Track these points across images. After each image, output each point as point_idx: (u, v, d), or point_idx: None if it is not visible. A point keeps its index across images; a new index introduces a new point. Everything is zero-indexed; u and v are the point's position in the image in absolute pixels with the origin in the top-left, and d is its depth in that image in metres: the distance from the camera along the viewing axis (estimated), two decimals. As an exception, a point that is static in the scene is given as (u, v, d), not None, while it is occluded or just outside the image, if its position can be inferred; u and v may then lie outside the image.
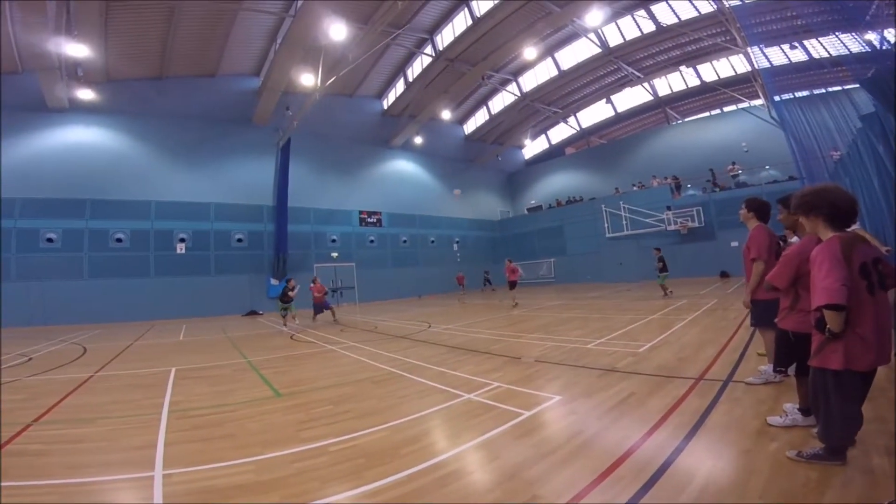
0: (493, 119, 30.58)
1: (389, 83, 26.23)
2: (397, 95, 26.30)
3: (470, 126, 32.20)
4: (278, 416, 4.33)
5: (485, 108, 30.59)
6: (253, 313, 20.06)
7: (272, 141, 22.36)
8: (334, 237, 23.72)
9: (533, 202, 32.83)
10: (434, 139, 29.01)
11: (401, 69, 25.12)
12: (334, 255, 21.02)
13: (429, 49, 22.51)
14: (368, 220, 25.86)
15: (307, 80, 18.23)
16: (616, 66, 25.07)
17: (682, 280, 18.00)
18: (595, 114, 30.75)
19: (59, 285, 17.28)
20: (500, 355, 6.48)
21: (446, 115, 25.98)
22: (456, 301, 20.02)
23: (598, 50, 23.88)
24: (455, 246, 30.01)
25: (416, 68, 24.54)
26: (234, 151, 21.83)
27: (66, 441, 3.66)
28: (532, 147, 35.20)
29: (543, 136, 34.51)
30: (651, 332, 7.57)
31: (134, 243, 18.95)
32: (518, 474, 2.63)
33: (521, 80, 27.31)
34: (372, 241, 25.74)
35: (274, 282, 21.14)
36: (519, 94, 27.61)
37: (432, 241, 28.89)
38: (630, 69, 24.77)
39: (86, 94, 17.54)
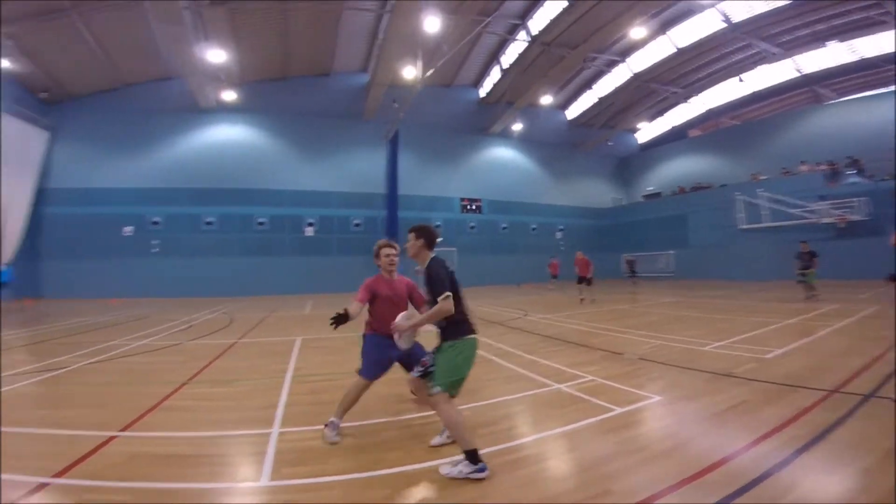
0: (601, 102, 28.63)
1: (485, 71, 26.09)
2: (494, 83, 26.04)
3: (574, 110, 30.56)
4: (379, 388, 4.72)
5: (590, 91, 28.75)
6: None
7: (382, 133, 23.83)
8: (438, 223, 24.53)
9: (650, 189, 30.24)
10: (534, 125, 28.17)
11: (495, 56, 24.78)
12: (439, 239, 21.67)
13: (522, 35, 21.83)
14: (469, 206, 26.31)
15: (408, 73, 19.05)
16: (746, 43, 21.77)
17: (833, 282, 15.09)
18: (724, 93, 27.06)
19: (215, 262, 20.79)
20: (599, 349, 6.22)
21: (546, 100, 24.98)
22: (550, 289, 19.44)
23: (723, 25, 20.94)
24: (559, 234, 29.03)
25: (510, 55, 23.98)
26: (350, 144, 23.82)
27: (209, 399, 4.34)
28: (648, 130, 32.28)
29: (662, 117, 31.38)
30: (784, 337, 6.62)
31: (272, 226, 22.00)
32: (595, 468, 2.57)
33: (630, 60, 25.09)
34: (472, 228, 26.13)
35: None
36: (630, 76, 25.45)
37: (533, 229, 28.31)
38: (764, 45, 21.31)
39: (229, 96, 20.58)
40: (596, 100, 28.82)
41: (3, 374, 5.17)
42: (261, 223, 21.90)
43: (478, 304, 13.72)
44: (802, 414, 3.29)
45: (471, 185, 26.67)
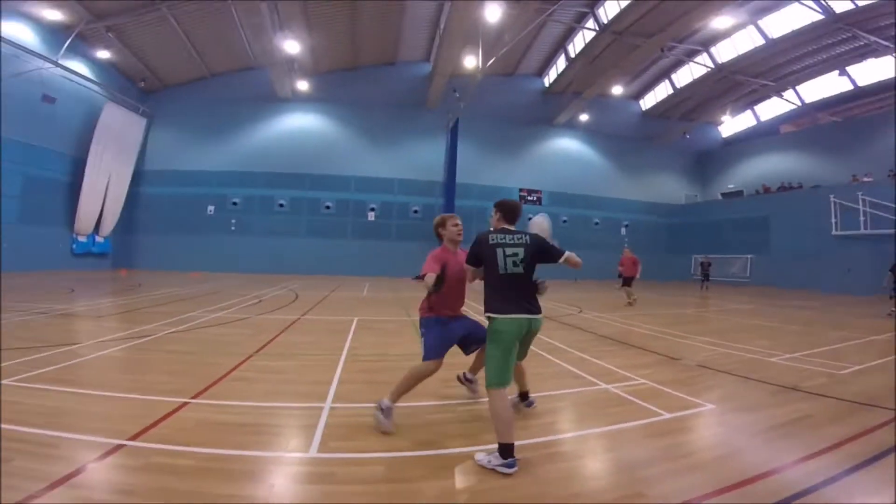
0: (679, 93, 26.72)
1: (550, 60, 25.28)
2: (559, 72, 25.15)
3: (648, 101, 28.85)
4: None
5: (667, 81, 26.94)
6: (420, 278, 22.26)
7: (443, 123, 24.05)
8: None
9: (731, 186, 28.03)
10: (603, 116, 27.00)
11: (561, 45, 23.88)
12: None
13: (591, 23, 20.77)
14: (528, 197, 25.82)
15: (469, 62, 18.93)
16: (850, 34, 19.24)
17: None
18: (824, 87, 24.19)
19: (285, 242, 22.27)
20: (655, 353, 5.99)
21: (617, 90, 23.72)
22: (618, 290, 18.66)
23: (821, 17, 18.65)
24: (623, 230, 27.77)
25: (577, 44, 22.97)
26: (412, 133, 24.37)
27: (271, 372, 4.65)
28: (732, 124, 29.71)
29: (749, 111, 28.73)
30: (866, 354, 6.00)
31: (338, 210, 23.18)
32: (631, 470, 2.53)
33: (714, 50, 23.12)
34: (530, 219, 25.45)
35: None
36: (713, 66, 23.47)
37: (596, 224, 27.31)
38: (871, 37, 18.71)
39: (303, 86, 22.02)
40: (673, 91, 27.04)
41: (99, 340, 5.82)
42: (327, 207, 23.14)
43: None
44: (867, 433, 3.03)
45: (531, 176, 26.21)
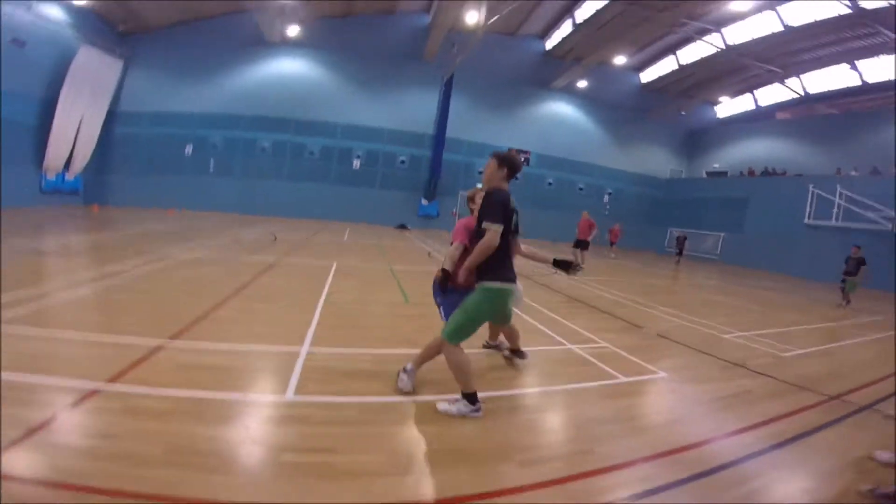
0: (682, 70, 26.10)
1: (555, 24, 24.15)
2: (563, 37, 24.20)
3: (650, 74, 28.16)
4: (402, 321, 5.09)
5: (673, 56, 26.27)
6: (402, 227, 22.47)
7: (438, 75, 23.27)
8: (481, 169, 24.18)
9: (716, 166, 28.25)
10: (601, 84, 26.35)
11: (569, 10, 22.81)
12: (479, 185, 21.79)
13: None
14: (516, 157, 25.58)
15: (471, 17, 18.18)
16: (872, 30, 18.88)
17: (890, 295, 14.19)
18: (829, 79, 23.84)
19: (266, 184, 21.97)
20: (622, 319, 6.30)
21: (619, 60, 23.05)
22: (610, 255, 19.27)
23: (847, 11, 18.13)
24: (606, 198, 28.05)
25: (586, 9, 21.96)
26: (405, 84, 23.57)
27: (250, 314, 4.71)
28: (730, 105, 29.47)
29: (748, 94, 28.42)
30: (810, 339, 6.47)
31: (322, 156, 22.74)
32: (585, 427, 2.78)
33: (726, 31, 22.47)
34: (516, 179, 25.35)
35: (424, 202, 23.47)
36: (723, 47, 22.90)
37: (580, 189, 27.42)
38: (893, 35, 18.43)
39: (293, 31, 21.06)
40: (677, 67, 26.44)
41: (70, 280, 5.57)
42: (311, 152, 22.73)
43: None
44: (796, 413, 3.35)
45: (521, 136, 25.77)
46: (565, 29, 23.99)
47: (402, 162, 23.68)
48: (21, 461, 1.92)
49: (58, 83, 17.78)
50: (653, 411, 3.21)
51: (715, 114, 31.01)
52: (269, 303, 5.25)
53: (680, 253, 20.63)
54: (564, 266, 3.09)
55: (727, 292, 11.38)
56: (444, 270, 3.02)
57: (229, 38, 21.55)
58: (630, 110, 28.50)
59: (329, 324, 4.55)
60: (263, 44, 21.53)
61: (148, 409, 2.49)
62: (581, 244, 12.77)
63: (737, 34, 22.40)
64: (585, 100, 27.24)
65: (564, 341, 4.75)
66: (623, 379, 3.73)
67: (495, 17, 17.02)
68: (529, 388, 3.40)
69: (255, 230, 13.96)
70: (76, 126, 18.68)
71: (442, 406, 2.74)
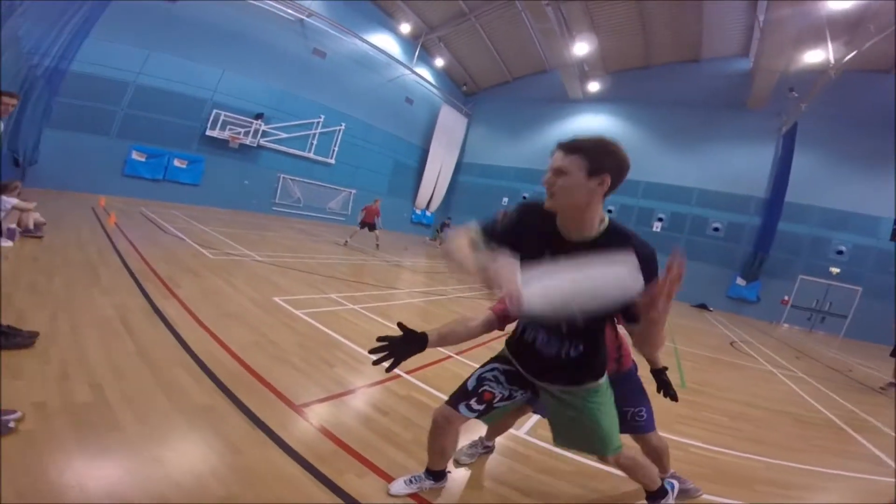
0: None
1: None
2: None
3: None
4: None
5: None
6: (702, 307, 18.95)
7: (771, 127, 19.13)
8: (842, 248, 17.83)
9: None
10: None
11: None
12: (834, 270, 16.57)
13: None
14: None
15: (814, 56, 14.50)
16: None
17: None
18: None
19: None
20: None
21: None
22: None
23: None
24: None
25: None
26: (722, 137, 20.37)
27: None
28: None
29: None
30: None
31: (619, 215, 21.73)
32: None
33: None
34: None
35: (740, 282, 19.19)
36: None
37: None
38: None
39: (594, 87, 22.18)
40: None
41: (411, 290, 7.89)
42: (608, 211, 22.31)
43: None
44: None
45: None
46: None
47: (716, 229, 20.21)
48: (321, 412, 2.79)
49: (428, 135, 24.67)
50: None
51: None
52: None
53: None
54: None
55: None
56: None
57: (539, 97, 24.46)
58: None
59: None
60: (567, 100, 23.38)
61: (419, 403, 3.18)
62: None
63: None
64: None
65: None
66: None
67: (853, 54, 13.16)
68: None
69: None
70: (437, 172, 25.20)
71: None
